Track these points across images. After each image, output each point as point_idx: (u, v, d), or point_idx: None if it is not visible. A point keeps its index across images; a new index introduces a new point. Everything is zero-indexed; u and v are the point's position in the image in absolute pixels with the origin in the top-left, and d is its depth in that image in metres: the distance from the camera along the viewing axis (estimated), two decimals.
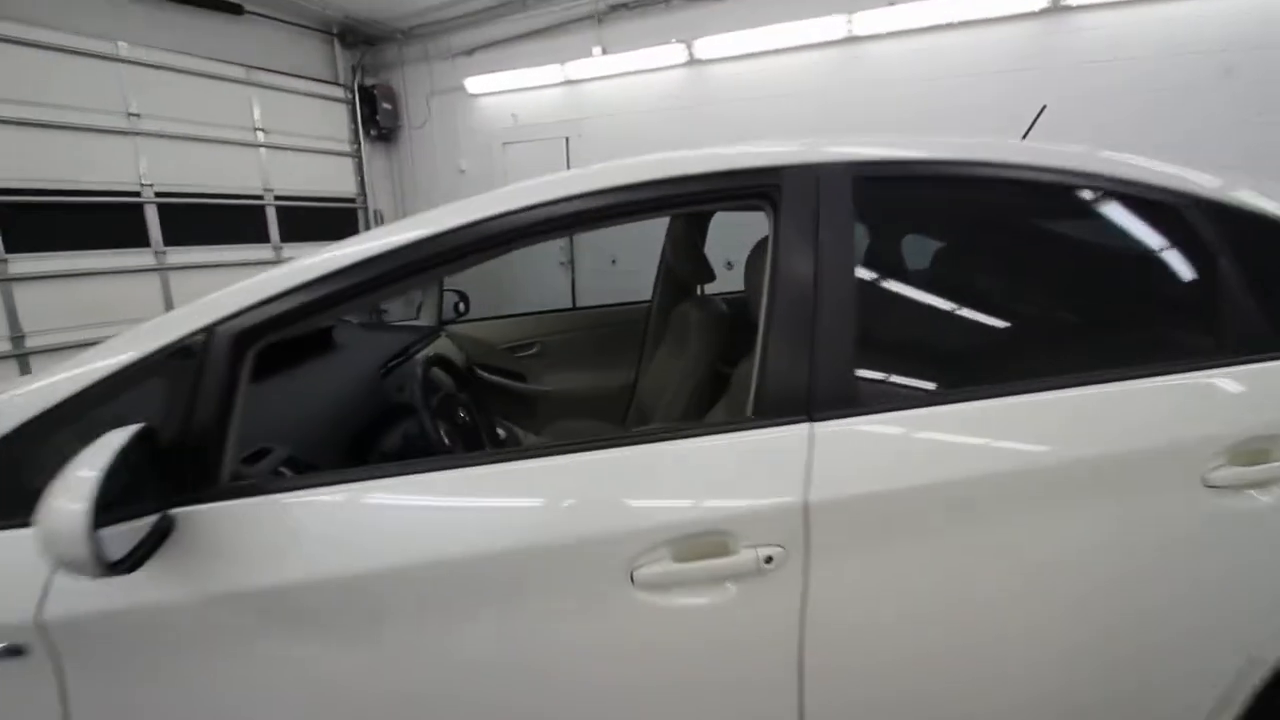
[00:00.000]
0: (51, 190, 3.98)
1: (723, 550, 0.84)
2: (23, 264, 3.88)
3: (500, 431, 1.57)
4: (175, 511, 0.81)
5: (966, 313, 1.03)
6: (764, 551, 0.83)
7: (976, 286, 1.05)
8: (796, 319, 0.90)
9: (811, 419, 0.87)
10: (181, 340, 0.85)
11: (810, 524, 0.84)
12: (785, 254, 0.92)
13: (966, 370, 1.00)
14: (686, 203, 0.97)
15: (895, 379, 0.97)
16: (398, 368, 1.69)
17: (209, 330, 0.85)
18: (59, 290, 4.04)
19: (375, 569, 0.82)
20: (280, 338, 0.90)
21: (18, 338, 3.90)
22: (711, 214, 2.06)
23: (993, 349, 1.02)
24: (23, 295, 3.90)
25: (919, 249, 1.03)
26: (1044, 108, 1.54)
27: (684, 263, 1.98)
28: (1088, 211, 1.03)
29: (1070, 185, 1.00)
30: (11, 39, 3.73)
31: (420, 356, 1.52)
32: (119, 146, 4.32)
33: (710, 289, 2.09)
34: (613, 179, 0.94)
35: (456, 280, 2.58)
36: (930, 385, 0.98)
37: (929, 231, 1.07)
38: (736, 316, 1.87)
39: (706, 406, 1.73)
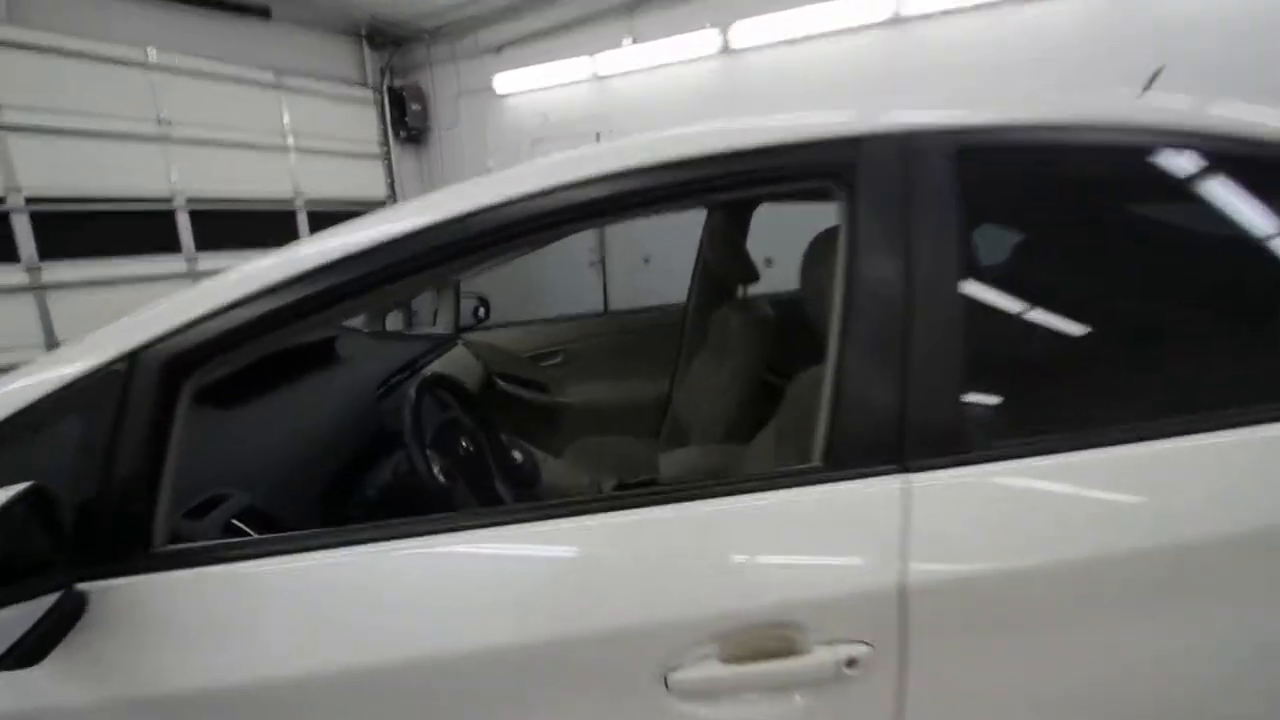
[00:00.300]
0: (83, 198, 3.98)
1: (788, 648, 0.63)
2: (56, 272, 3.90)
3: (516, 455, 1.38)
4: (86, 586, 0.64)
5: (1121, 324, 0.78)
6: (844, 651, 0.62)
7: (1134, 289, 0.80)
8: (881, 335, 0.68)
9: (905, 468, 0.65)
10: (97, 370, 0.68)
11: (908, 613, 0.62)
12: (865, 251, 0.70)
13: (1126, 401, 0.74)
14: (729, 187, 0.74)
15: (1023, 414, 0.74)
16: (399, 386, 1.51)
17: (131, 357, 0.68)
18: (92, 297, 4.05)
19: (337, 668, 0.63)
20: (232, 364, 0.72)
21: (53, 346, 3.92)
22: (755, 205, 1.84)
23: (1156, 372, 0.77)
24: (56, 302, 3.92)
25: (1046, 241, 0.78)
26: (1160, 69, 1.27)
27: (724, 260, 1.77)
28: None
29: (1262, 158, 0.73)
30: (41, 47, 3.73)
31: (418, 376, 1.35)
32: (150, 153, 4.31)
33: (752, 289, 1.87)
34: (626, 160, 0.73)
35: (477, 284, 2.42)
36: (1075, 422, 0.72)
37: (1059, 218, 0.81)
38: (784, 320, 1.65)
39: (752, 424, 1.52)
